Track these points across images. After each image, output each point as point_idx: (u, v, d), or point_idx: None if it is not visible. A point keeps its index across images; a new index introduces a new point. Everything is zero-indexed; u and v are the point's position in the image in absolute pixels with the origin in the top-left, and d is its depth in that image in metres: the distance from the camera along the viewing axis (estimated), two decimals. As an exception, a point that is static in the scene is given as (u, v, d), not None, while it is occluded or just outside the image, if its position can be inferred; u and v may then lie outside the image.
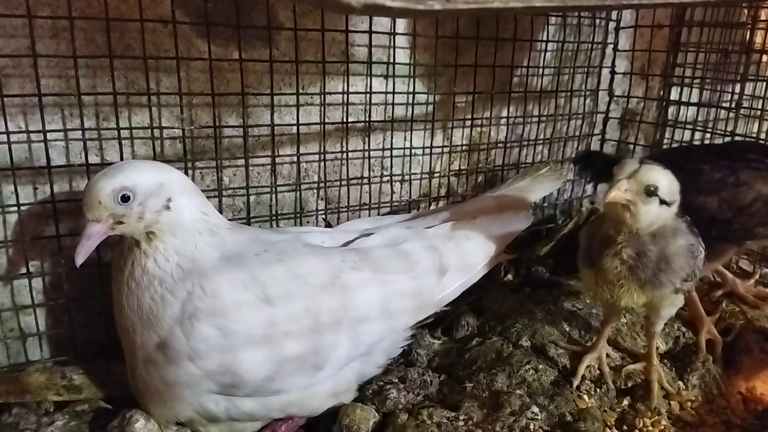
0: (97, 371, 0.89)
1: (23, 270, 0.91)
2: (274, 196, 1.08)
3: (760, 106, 1.36)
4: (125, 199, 0.74)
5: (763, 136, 1.38)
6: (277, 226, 1.09)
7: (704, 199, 0.94)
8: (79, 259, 0.73)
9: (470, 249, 0.98)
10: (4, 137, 0.85)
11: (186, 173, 0.98)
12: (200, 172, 1.01)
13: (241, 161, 1.03)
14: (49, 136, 0.87)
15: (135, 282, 0.75)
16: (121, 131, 0.92)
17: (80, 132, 0.89)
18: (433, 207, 1.27)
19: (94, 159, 0.92)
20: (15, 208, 0.88)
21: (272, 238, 0.85)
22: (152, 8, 0.91)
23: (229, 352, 0.75)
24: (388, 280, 0.87)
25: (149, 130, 0.94)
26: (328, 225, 1.16)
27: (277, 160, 1.06)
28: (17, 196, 0.88)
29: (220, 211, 1.02)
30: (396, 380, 0.92)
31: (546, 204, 1.42)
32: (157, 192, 0.75)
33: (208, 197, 1.01)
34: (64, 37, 0.85)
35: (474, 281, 1.01)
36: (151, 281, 0.74)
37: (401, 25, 1.12)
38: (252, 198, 1.06)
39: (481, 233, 1.00)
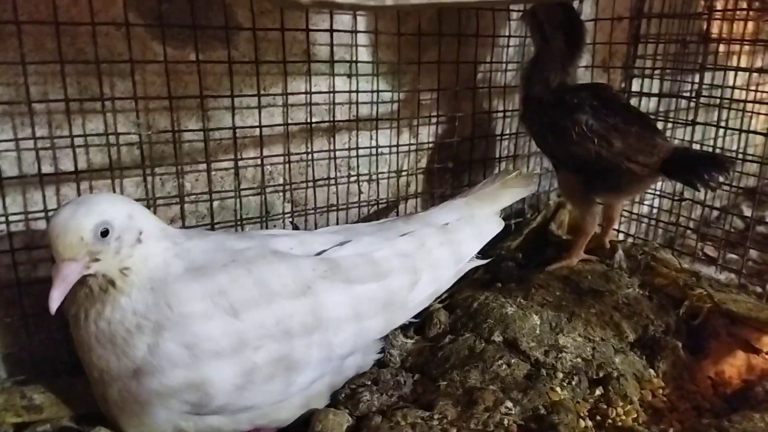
0: (59, 389, 0.86)
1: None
2: (238, 200, 1.05)
3: (719, 95, 1.39)
4: (105, 233, 0.70)
5: (723, 124, 1.41)
6: (242, 230, 1.07)
7: None
8: (55, 304, 0.68)
9: (443, 256, 0.97)
10: (-49, 149, 0.81)
11: (145, 180, 0.96)
12: (160, 179, 0.99)
13: (203, 166, 1.01)
14: (-1, 146, 0.84)
15: (106, 321, 0.71)
16: (75, 139, 0.89)
17: (32, 141, 0.86)
18: (402, 207, 1.27)
19: (47, 169, 0.89)
20: (-35, 223, 0.85)
21: (238, 245, 0.83)
22: (104, 11, 0.88)
23: (195, 369, 0.73)
24: (361, 289, 0.86)
25: (105, 137, 0.91)
26: (296, 228, 1.15)
27: (241, 163, 1.04)
28: (-32, 209, 0.85)
29: (183, 218, 1.01)
30: (369, 382, 0.91)
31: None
32: (129, 226, 0.73)
33: (169, 204, 1.00)
34: (12, 43, 0.82)
35: (447, 287, 1.01)
36: (125, 315, 0.71)
37: (362, 23, 1.11)
38: (216, 203, 1.04)
39: (454, 240, 0.99)
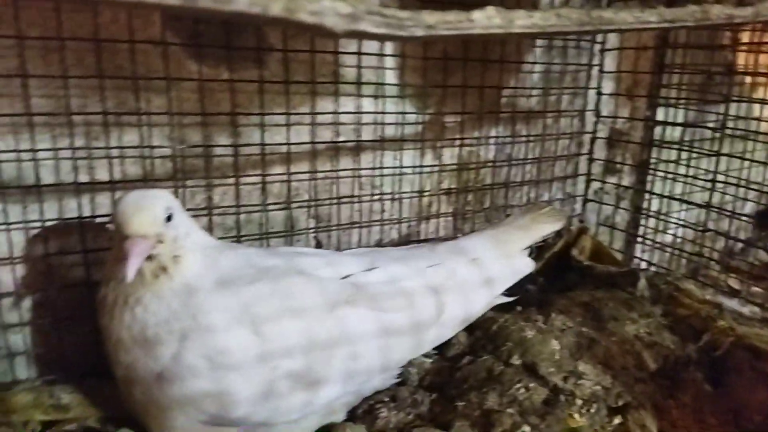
0: (86, 391, 0.88)
1: (12, 288, 0.91)
2: (264, 214, 1.08)
3: (744, 127, 1.39)
4: (169, 218, 0.75)
5: (748, 155, 1.41)
6: (267, 244, 1.09)
7: None
8: (132, 275, 0.70)
9: (471, 290, 0.98)
10: (-6, 156, 0.85)
11: (176, 192, 0.99)
12: (191, 191, 1.01)
13: (232, 180, 1.03)
14: (39, 155, 0.87)
15: (143, 307, 0.73)
16: (111, 150, 0.92)
17: (70, 151, 0.89)
18: (424, 227, 1.28)
19: (84, 178, 0.92)
20: (4, 227, 0.88)
21: (266, 262, 0.84)
22: (143, 30, 0.92)
23: (214, 381, 0.74)
24: (386, 317, 0.86)
25: (139, 150, 0.94)
26: (319, 243, 1.16)
27: (268, 179, 1.07)
28: (6, 214, 0.88)
29: (211, 230, 1.03)
30: (387, 399, 0.91)
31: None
32: (182, 218, 0.78)
33: (198, 216, 1.03)
34: (54, 58, 0.86)
35: (471, 321, 1.01)
36: (160, 306, 0.74)
37: (390, 46, 1.14)
38: (242, 217, 1.06)
39: (483, 274, 0.99)
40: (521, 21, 0.52)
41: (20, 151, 0.87)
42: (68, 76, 0.87)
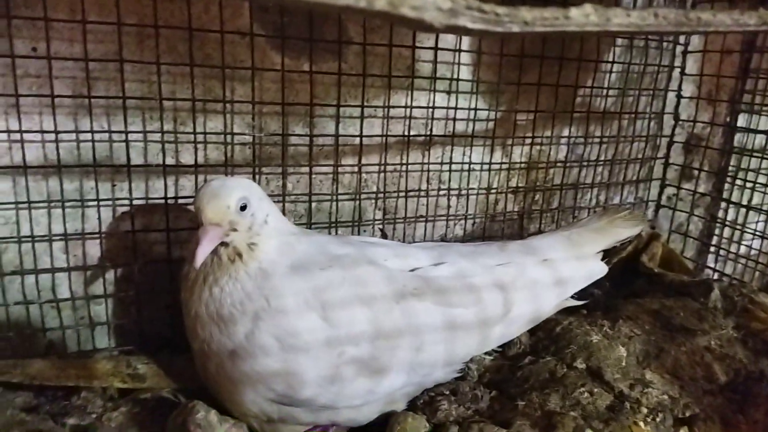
0: (161, 362, 0.92)
1: (97, 262, 0.96)
2: (334, 204, 1.10)
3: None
4: (243, 208, 0.78)
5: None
6: (336, 232, 1.11)
7: None
8: (201, 260, 0.74)
9: (540, 290, 0.97)
10: (88, 136, 0.90)
11: (253, 178, 1.02)
12: (266, 178, 1.05)
13: (305, 169, 1.06)
14: (129, 137, 0.92)
15: (219, 288, 0.77)
16: (197, 136, 0.96)
17: (159, 134, 0.94)
18: (489, 224, 1.27)
19: (169, 161, 0.97)
20: (94, 203, 0.93)
21: (338, 250, 0.86)
22: (232, 20, 0.95)
23: (283, 362, 0.76)
24: (452, 312, 0.87)
25: (222, 136, 0.98)
26: (384, 234, 1.18)
27: (339, 169, 1.09)
28: (97, 191, 0.93)
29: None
30: (447, 392, 0.92)
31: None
32: (260, 206, 0.80)
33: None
34: (148, 45, 0.90)
35: (538, 322, 1.01)
36: (236, 288, 0.77)
37: (466, 42, 1.14)
38: (313, 205, 1.09)
39: (553, 276, 0.98)
40: (618, 19, 0.51)
41: (113, 132, 0.92)
42: (161, 63, 0.91)
